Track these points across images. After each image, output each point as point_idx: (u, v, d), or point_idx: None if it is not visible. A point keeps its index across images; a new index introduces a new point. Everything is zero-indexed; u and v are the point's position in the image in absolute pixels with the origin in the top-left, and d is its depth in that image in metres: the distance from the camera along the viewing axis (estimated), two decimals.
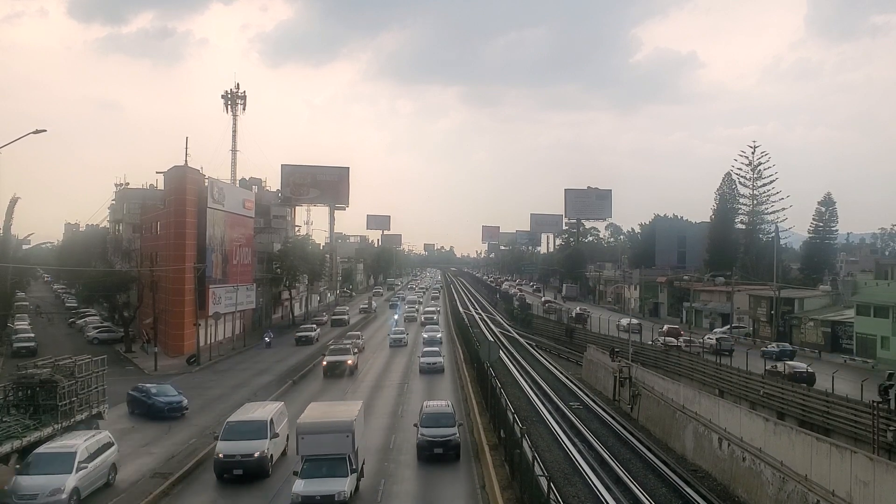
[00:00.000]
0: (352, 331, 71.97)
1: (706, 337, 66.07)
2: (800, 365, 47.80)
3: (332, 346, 52.68)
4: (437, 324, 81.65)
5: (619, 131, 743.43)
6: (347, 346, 52.88)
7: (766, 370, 45.74)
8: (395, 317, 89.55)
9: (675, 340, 64.31)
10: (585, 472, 28.40)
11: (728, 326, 77.60)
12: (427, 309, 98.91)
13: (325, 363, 48.60)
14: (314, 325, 74.39)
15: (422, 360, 50.10)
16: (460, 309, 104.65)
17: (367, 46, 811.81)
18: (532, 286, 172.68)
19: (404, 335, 67.03)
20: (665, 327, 75.90)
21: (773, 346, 61.16)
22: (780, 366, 48.32)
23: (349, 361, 48.98)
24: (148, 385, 37.95)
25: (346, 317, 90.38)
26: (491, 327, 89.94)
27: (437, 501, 23.05)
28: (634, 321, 77.70)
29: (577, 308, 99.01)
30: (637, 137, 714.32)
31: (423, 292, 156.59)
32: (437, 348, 54.05)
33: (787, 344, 64.21)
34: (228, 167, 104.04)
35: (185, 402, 36.56)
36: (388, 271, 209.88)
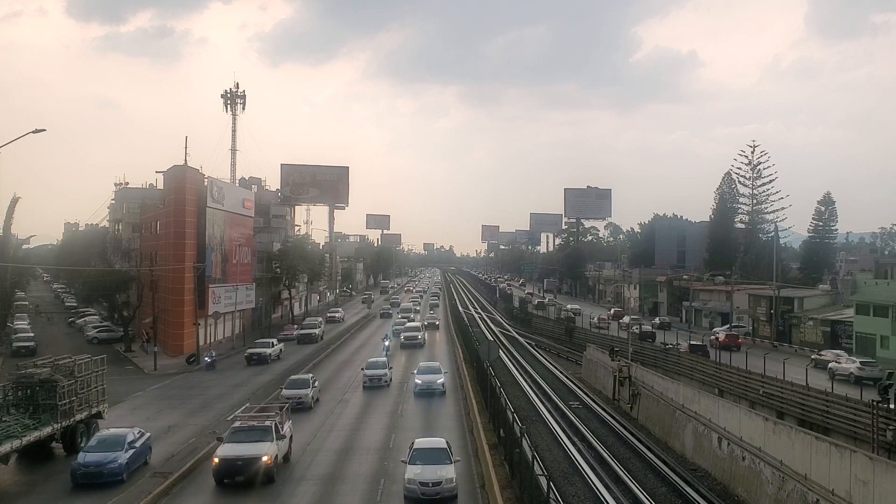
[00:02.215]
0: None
1: (624, 318, 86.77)
2: (647, 326, 75.07)
3: (237, 424, 25.95)
4: (421, 342, 64.49)
5: (619, 130, 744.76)
6: (266, 420, 25.91)
7: (629, 333, 61.06)
8: (387, 342, 61.17)
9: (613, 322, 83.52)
10: (585, 472, 28.40)
11: (728, 326, 77.61)
12: (410, 325, 69.76)
13: (216, 461, 24.34)
14: (273, 341, 59.41)
15: (411, 472, 22.70)
16: (460, 308, 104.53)
17: (367, 45, 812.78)
18: (520, 282, 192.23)
19: (386, 372, 43.69)
20: (612, 310, 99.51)
21: (656, 320, 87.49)
22: (637, 329, 68.46)
23: (266, 458, 24.22)
24: (105, 433, 26.52)
25: (316, 331, 70.27)
26: (490, 326, 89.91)
27: None
28: (576, 307, 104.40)
29: (546, 299, 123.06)
30: (637, 137, 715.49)
31: (421, 296, 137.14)
32: (442, 443, 24.78)
33: (666, 317, 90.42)
34: (228, 166, 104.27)
35: (122, 461, 24.35)
36: (387, 271, 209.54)
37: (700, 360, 51.62)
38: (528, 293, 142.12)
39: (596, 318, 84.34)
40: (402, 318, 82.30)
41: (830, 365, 48.49)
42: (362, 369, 44.62)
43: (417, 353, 58.76)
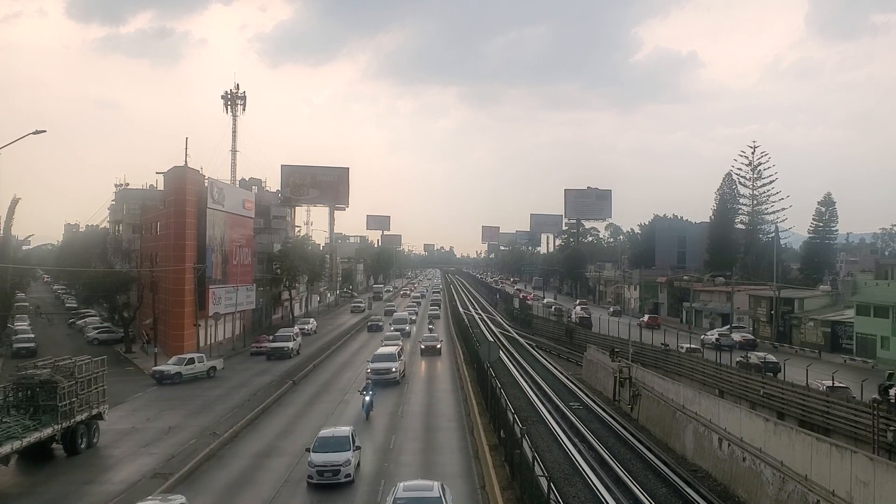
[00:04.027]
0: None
1: (575, 307, 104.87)
2: (581, 313, 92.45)
3: None
4: (396, 378, 44.19)
5: (620, 131, 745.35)
6: None
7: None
8: (367, 397, 35.60)
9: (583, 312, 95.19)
10: (585, 473, 28.38)
11: (728, 326, 77.59)
12: (383, 351, 48.55)
13: None
14: (196, 357, 48.92)
15: None
16: (460, 310, 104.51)
17: (367, 46, 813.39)
18: (511, 280, 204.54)
19: (349, 459, 24.77)
20: (577, 302, 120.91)
21: (611, 307, 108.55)
22: (565, 316, 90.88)
23: None
24: None
25: (290, 345, 58.70)
26: (491, 327, 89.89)
27: None
28: (553, 300, 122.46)
29: (532, 294, 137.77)
30: (637, 137, 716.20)
31: (419, 302, 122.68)
32: None
33: (618, 307, 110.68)
34: (228, 167, 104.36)
35: None
36: (387, 272, 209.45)
37: (700, 361, 51.63)
38: (517, 289, 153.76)
39: (553, 308, 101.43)
40: (396, 330, 69.24)
41: (702, 337, 68.77)
42: (308, 451, 24.93)
43: (408, 400, 39.40)
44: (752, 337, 69.89)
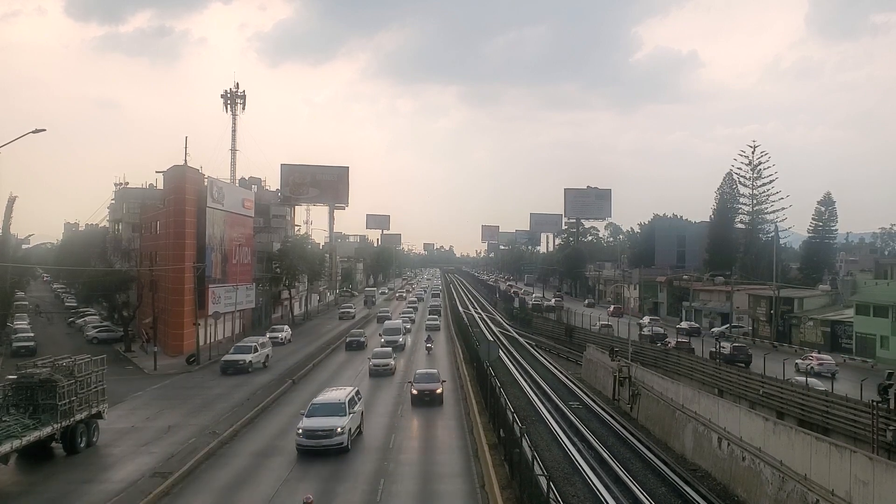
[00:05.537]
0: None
1: (554, 298, 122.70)
2: (552, 303, 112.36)
3: None
4: (342, 442, 27.41)
5: (619, 131, 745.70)
6: None
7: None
8: None
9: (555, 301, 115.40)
10: (585, 472, 28.39)
11: (727, 326, 77.66)
12: (325, 398, 30.40)
13: None
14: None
15: None
16: (460, 309, 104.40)
17: (367, 45, 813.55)
18: (505, 278, 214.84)
19: None
20: (555, 293, 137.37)
21: (585, 300, 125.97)
22: (543, 304, 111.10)
23: None
24: None
25: (248, 358, 50.09)
26: (490, 327, 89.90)
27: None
28: (540, 295, 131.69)
29: (522, 290, 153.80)
30: (637, 137, 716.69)
31: (415, 307, 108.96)
32: None
33: (594, 297, 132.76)
34: (228, 166, 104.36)
35: None
36: (387, 271, 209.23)
37: (700, 361, 51.68)
38: (509, 285, 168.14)
39: (533, 298, 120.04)
40: (388, 342, 59.17)
41: (639, 321, 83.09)
42: None
43: None
44: (698, 325, 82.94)
